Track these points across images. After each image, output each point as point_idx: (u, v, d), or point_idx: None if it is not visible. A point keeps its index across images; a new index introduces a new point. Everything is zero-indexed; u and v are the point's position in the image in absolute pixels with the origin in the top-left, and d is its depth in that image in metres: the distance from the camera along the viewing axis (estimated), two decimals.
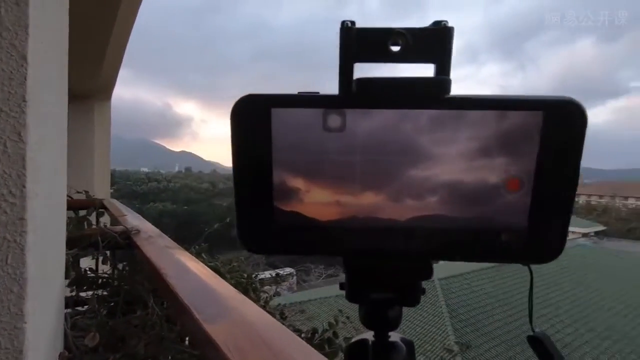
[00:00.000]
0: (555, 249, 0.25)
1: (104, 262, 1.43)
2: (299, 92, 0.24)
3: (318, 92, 0.24)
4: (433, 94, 0.23)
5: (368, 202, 0.25)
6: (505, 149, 0.23)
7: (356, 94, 0.23)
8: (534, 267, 0.26)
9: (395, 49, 0.23)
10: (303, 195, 0.25)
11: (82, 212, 1.48)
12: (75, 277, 1.25)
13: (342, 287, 0.28)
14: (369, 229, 0.25)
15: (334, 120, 0.24)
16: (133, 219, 1.80)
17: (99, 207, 1.76)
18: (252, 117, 0.24)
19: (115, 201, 2.67)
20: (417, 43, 0.23)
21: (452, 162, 0.24)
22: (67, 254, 1.16)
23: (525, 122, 0.23)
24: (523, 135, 0.23)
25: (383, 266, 0.26)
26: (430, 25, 0.23)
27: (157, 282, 0.92)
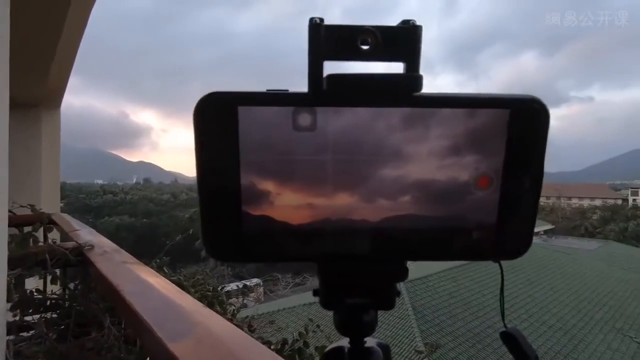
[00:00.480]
0: (524, 244, 0.25)
1: (53, 282, 1.32)
2: (267, 90, 0.23)
3: (287, 90, 0.23)
4: (405, 90, 0.22)
5: (341, 203, 0.24)
6: (474, 147, 0.24)
7: (326, 92, 0.22)
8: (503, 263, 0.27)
9: (365, 47, 0.23)
10: (273, 198, 0.24)
11: (28, 229, 1.36)
12: (19, 300, 1.15)
13: (315, 293, 0.27)
14: (343, 231, 0.24)
15: (304, 118, 0.23)
16: (86, 234, 1.68)
17: (47, 222, 1.63)
18: (217, 116, 0.23)
19: (66, 215, 2.49)
20: (386, 41, 0.23)
21: (423, 161, 0.24)
22: (9, 275, 1.06)
23: (494, 119, 0.23)
24: (491, 132, 0.23)
25: (358, 269, 0.25)
26: (399, 24, 0.23)
27: (114, 300, 0.86)
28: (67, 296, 1.28)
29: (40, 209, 1.83)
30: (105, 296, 1.06)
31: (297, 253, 0.25)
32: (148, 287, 0.85)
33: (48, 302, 1.29)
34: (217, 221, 0.24)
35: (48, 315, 1.26)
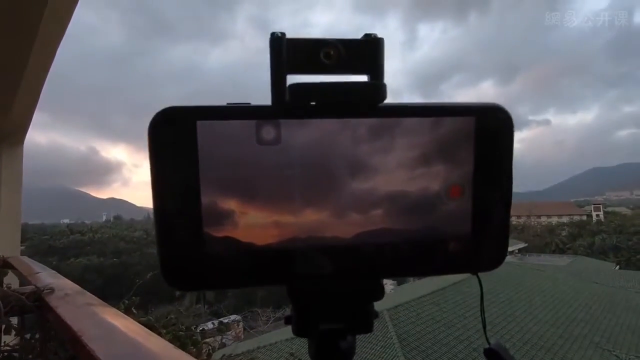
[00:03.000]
0: (500, 254, 0.24)
1: (7, 332, 1.20)
2: (227, 104, 0.22)
3: (249, 103, 0.22)
4: (369, 100, 0.22)
5: (310, 220, 0.23)
6: (443, 156, 0.23)
7: (289, 103, 0.22)
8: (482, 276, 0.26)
9: (328, 60, 0.23)
10: (237, 217, 0.22)
11: None
12: None
13: (287, 321, 0.25)
14: (313, 249, 0.23)
15: (268, 132, 0.22)
16: (47, 277, 1.56)
17: (2, 265, 1.51)
18: (174, 132, 0.21)
19: (25, 258, 2.33)
20: (349, 54, 0.23)
21: (393, 173, 0.23)
22: None
23: (460, 128, 0.23)
24: (459, 141, 0.23)
25: (331, 290, 0.24)
26: (362, 37, 0.23)
27: (75, 347, 0.79)
28: (22, 347, 1.16)
29: None
30: (65, 344, 0.97)
31: (265, 276, 0.23)
32: (113, 330, 0.79)
33: (1, 355, 1.17)
34: (176, 245, 0.22)
35: None
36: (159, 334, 1.17)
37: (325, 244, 0.23)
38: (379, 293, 0.24)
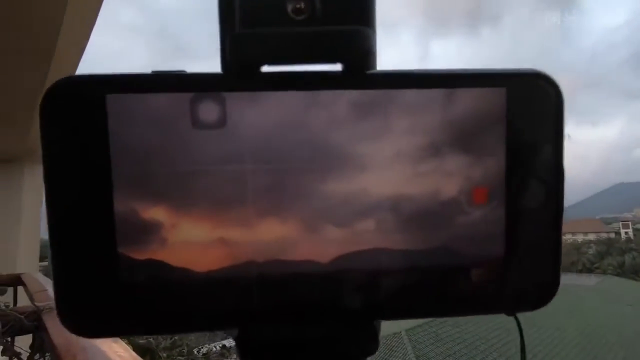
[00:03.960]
0: (548, 286, 0.17)
1: (4, 353, 1.16)
2: (153, 71, 0.16)
3: (184, 70, 0.16)
4: (353, 61, 0.15)
5: (269, 236, 0.16)
6: (462, 145, 0.16)
7: (237, 69, 0.15)
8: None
9: (299, 16, 0.16)
10: (166, 232, 0.16)
11: None
12: None
13: None
14: (275, 279, 0.16)
15: (208, 110, 0.15)
16: (52, 294, 1.53)
17: (15, 283, 1.48)
18: (75, 111, 0.15)
19: (38, 275, 2.32)
20: (327, 7, 0.16)
21: (388, 168, 0.16)
22: None
23: (486, 104, 0.16)
24: (484, 123, 0.16)
25: (304, 337, 0.17)
26: None
27: None
28: None
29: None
30: None
31: (207, 316, 0.16)
32: (98, 357, 0.72)
33: None
34: (78, 272, 0.16)
35: None
36: (158, 357, 1.10)
37: (291, 271, 0.16)
38: (372, 344, 0.17)
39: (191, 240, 0.16)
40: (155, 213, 0.16)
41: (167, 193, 0.16)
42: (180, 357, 1.27)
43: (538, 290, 0.17)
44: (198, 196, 0.16)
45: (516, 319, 0.19)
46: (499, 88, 0.16)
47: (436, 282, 0.17)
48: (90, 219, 0.15)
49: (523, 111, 0.16)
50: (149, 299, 0.16)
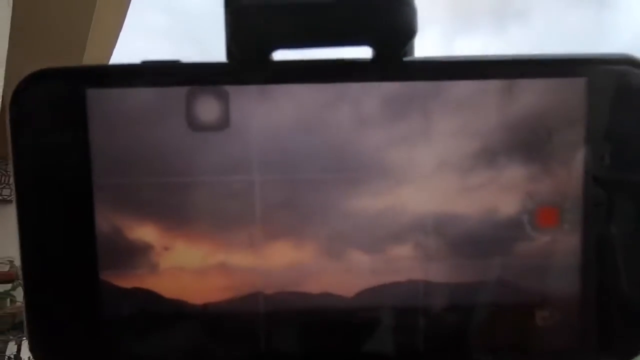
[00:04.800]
0: (636, 335, 0.13)
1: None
2: (142, 61, 0.13)
3: (179, 60, 0.13)
4: (387, 45, 0.12)
5: (280, 263, 0.13)
6: (523, 152, 0.13)
7: (243, 58, 0.12)
8: None
9: None
10: (157, 256, 0.13)
11: (7, 287, 1.26)
12: None
13: None
14: (286, 316, 0.13)
15: (207, 107, 0.13)
16: None
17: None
18: (50, 109, 0.13)
19: None
20: None
21: (430, 180, 0.13)
22: None
23: (557, 99, 0.13)
24: (554, 123, 0.13)
25: None
26: None
27: None
28: None
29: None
30: None
31: (204, 358, 0.13)
32: None
33: None
34: (53, 302, 0.13)
35: None
36: None
37: (307, 306, 0.13)
38: None
39: (186, 265, 0.13)
40: (144, 232, 0.13)
41: (159, 208, 0.13)
42: None
43: (623, 340, 0.13)
44: (195, 213, 0.13)
45: None
46: (577, 78, 0.12)
47: (490, 325, 0.13)
48: (68, 238, 0.13)
49: (609, 108, 0.13)
50: (135, 336, 0.13)
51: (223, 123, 0.13)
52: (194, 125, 0.13)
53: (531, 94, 0.13)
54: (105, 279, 0.13)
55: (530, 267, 0.13)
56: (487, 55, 0.13)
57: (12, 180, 0.13)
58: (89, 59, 1.79)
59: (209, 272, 0.13)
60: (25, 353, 1.20)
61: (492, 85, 0.12)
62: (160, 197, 0.13)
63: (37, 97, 0.13)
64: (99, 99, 0.13)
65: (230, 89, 0.13)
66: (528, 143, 0.13)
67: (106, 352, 0.13)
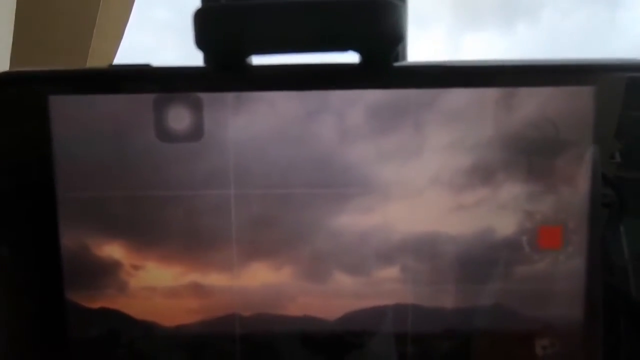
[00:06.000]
0: None
1: None
2: (109, 65, 0.12)
3: (149, 64, 0.12)
4: (377, 48, 0.11)
5: (257, 284, 0.12)
6: (523, 167, 0.12)
7: (217, 61, 0.11)
8: None
9: None
10: (126, 275, 0.12)
11: None
12: None
13: None
14: (263, 341, 0.12)
15: (179, 116, 0.12)
16: None
17: None
18: (12, 116, 0.12)
19: None
20: None
21: (421, 197, 0.12)
22: None
23: (561, 110, 0.11)
24: (558, 136, 0.12)
25: None
26: None
27: None
28: None
29: None
30: None
31: None
32: None
33: None
34: (17, 322, 0.12)
35: None
36: None
37: (286, 330, 0.12)
38: None
39: (157, 285, 0.12)
40: (113, 250, 0.12)
41: (127, 224, 0.12)
42: None
43: None
44: (167, 229, 0.12)
45: None
46: (583, 87, 0.11)
47: (484, 354, 0.12)
48: (31, 255, 0.12)
49: (619, 119, 0.11)
50: (104, 359, 0.12)
51: (196, 133, 0.12)
52: (164, 135, 0.12)
53: (532, 103, 0.11)
54: (71, 298, 0.12)
55: (530, 291, 0.12)
56: (484, 61, 0.12)
57: None
58: (95, 53, 1.79)
59: (181, 293, 0.12)
60: None
61: (489, 94, 0.11)
62: (129, 212, 0.12)
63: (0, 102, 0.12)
64: (62, 105, 0.12)
65: (204, 96, 0.12)
66: (528, 157, 0.12)
67: None
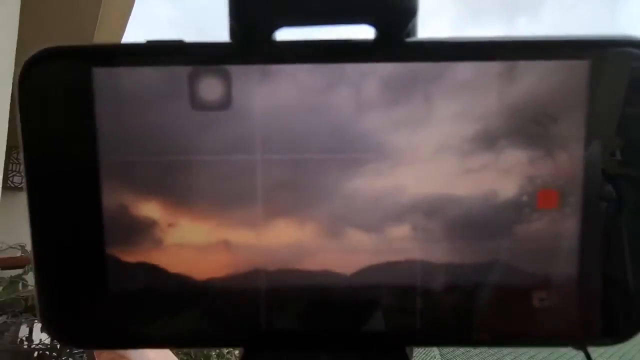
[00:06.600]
0: (632, 317, 0.13)
1: (43, 330, 1.22)
2: (147, 41, 0.13)
3: (182, 40, 0.13)
4: (389, 25, 0.12)
5: (281, 241, 0.13)
6: (523, 135, 0.13)
7: (245, 38, 0.13)
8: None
9: None
10: (162, 232, 0.13)
11: (19, 271, 1.29)
12: (2, 351, 1.05)
13: None
14: (287, 293, 0.13)
15: (209, 87, 0.13)
16: None
17: None
18: (57, 88, 0.13)
19: None
20: None
21: (429, 161, 0.13)
22: None
23: (558, 82, 0.13)
24: (555, 106, 0.13)
25: None
26: None
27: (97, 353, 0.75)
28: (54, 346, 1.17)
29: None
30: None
31: (207, 332, 0.14)
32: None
33: (35, 354, 1.19)
34: (62, 275, 0.14)
35: None
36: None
37: (307, 283, 0.13)
38: None
39: (190, 242, 0.13)
40: (149, 209, 0.13)
41: (163, 186, 0.13)
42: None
43: (618, 321, 0.13)
44: (199, 191, 0.13)
45: (586, 354, 0.16)
46: (579, 61, 0.12)
47: (486, 305, 0.13)
48: (75, 214, 0.13)
49: (612, 91, 0.12)
50: (140, 309, 0.14)
51: (225, 102, 0.13)
52: (197, 104, 0.13)
53: (533, 76, 0.13)
54: (111, 253, 0.13)
55: (529, 248, 0.13)
56: (489, 37, 0.13)
57: (21, 156, 0.13)
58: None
59: (212, 249, 0.13)
60: (37, 335, 1.23)
61: (493, 67, 0.12)
62: (165, 175, 0.13)
63: (45, 75, 0.13)
64: (104, 77, 0.13)
65: (232, 69, 0.13)
66: (530, 126, 0.13)
67: (113, 325, 0.14)
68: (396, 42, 0.12)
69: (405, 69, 0.13)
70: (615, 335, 0.13)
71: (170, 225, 0.13)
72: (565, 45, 0.13)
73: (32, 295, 1.20)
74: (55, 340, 0.14)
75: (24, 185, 0.13)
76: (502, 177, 0.13)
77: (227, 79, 0.13)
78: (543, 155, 0.13)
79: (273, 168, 0.13)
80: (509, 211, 0.13)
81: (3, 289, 1.14)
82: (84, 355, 1.18)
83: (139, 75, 0.13)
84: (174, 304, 0.14)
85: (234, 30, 0.13)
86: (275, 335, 0.14)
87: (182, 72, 0.13)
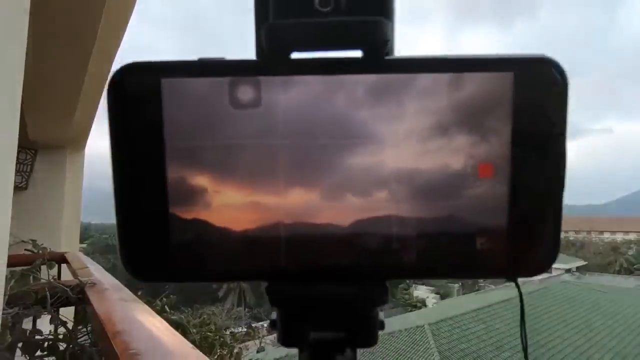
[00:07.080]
0: (547, 255, 0.19)
1: (51, 322, 1.27)
2: (199, 58, 0.18)
3: (224, 58, 0.18)
4: (370, 47, 0.17)
5: (297, 202, 0.18)
6: (469, 125, 0.18)
7: (269, 55, 0.18)
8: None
9: (325, 8, 0.18)
10: (210, 197, 0.19)
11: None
12: (13, 341, 1.09)
13: (273, 325, 0.21)
14: (301, 238, 0.19)
15: (244, 92, 0.18)
16: (94, 272, 1.65)
17: (49, 259, 1.60)
18: (136, 93, 0.18)
19: (80, 254, 2.50)
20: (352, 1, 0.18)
21: (402, 145, 0.18)
22: (4, 314, 1.02)
23: (492, 87, 0.18)
24: (490, 105, 0.18)
25: (322, 290, 0.19)
26: None
27: (101, 339, 0.80)
28: (62, 336, 1.22)
29: (49, 248, 1.81)
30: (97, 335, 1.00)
31: (241, 268, 0.19)
32: (137, 326, 0.79)
33: (45, 344, 1.23)
34: (137, 228, 0.19)
35: (45, 358, 1.20)
36: (188, 332, 1.18)
37: (315, 232, 0.19)
38: (383, 297, 0.19)
39: (230, 203, 0.19)
40: (201, 180, 0.18)
41: (211, 163, 0.18)
42: (209, 333, 1.35)
43: (537, 258, 0.19)
44: (236, 167, 0.18)
45: (517, 284, 0.21)
46: (506, 73, 0.18)
47: (443, 247, 0.19)
48: (147, 183, 0.18)
49: (529, 95, 0.18)
50: (194, 251, 0.19)
51: (256, 103, 0.18)
52: (235, 104, 0.18)
53: (473, 83, 0.18)
54: (174, 213, 0.19)
55: (473, 206, 0.18)
56: (441, 55, 0.18)
57: (109, 141, 0.18)
58: (98, 47, 1.84)
59: (246, 208, 0.19)
60: (43, 326, 1.28)
61: (445, 77, 0.18)
62: (212, 155, 0.18)
63: (127, 82, 0.18)
64: (169, 85, 0.18)
65: (261, 79, 0.18)
66: (471, 119, 0.18)
67: (175, 268, 0.19)
68: (377, 60, 0.18)
69: (384, 79, 0.18)
70: (535, 267, 0.19)
71: (216, 191, 0.19)
72: (496, 61, 0.18)
73: (42, 288, 1.24)
74: (133, 277, 0.19)
75: (111, 166, 0.18)
76: (453, 155, 0.18)
77: (257, 86, 0.18)
78: (481, 140, 0.18)
79: (290, 150, 0.18)
80: (458, 179, 0.18)
81: (15, 282, 1.19)
82: (89, 341, 1.23)
83: (194, 83, 0.18)
84: (218, 249, 0.19)
85: (261, 50, 0.18)
86: (290, 271, 0.19)
87: (224, 80, 0.18)
